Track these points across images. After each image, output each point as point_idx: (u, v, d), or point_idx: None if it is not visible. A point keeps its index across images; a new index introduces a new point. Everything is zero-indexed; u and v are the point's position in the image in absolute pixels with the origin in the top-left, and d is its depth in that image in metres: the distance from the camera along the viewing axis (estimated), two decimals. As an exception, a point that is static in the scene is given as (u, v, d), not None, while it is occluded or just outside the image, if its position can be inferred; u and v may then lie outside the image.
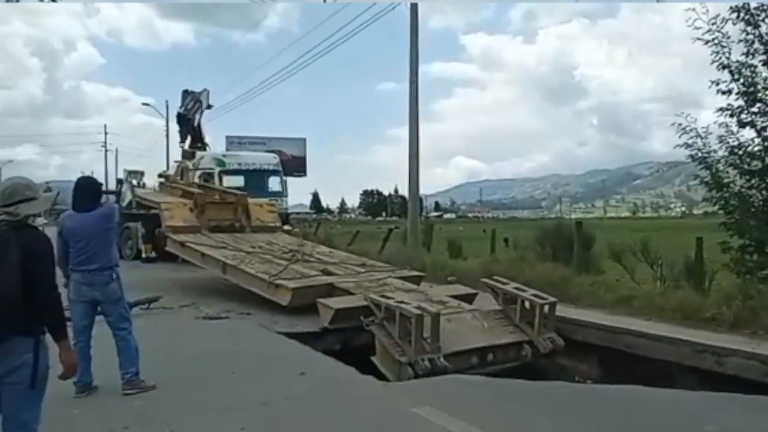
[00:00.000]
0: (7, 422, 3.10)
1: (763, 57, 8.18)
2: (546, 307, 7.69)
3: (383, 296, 7.76)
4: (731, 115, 8.29)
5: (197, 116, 22.50)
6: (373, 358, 7.14)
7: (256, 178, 20.53)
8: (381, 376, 6.49)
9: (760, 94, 8.16)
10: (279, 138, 47.59)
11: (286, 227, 17.66)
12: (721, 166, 8.59)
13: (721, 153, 8.55)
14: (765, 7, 8.06)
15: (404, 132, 17.53)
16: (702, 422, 4.93)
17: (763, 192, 8.31)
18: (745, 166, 8.34)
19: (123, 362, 5.61)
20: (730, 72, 8.24)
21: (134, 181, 21.89)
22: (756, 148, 8.30)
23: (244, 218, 14.06)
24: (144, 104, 79.40)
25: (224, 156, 21.50)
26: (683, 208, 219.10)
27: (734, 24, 8.24)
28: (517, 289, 8.16)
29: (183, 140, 22.67)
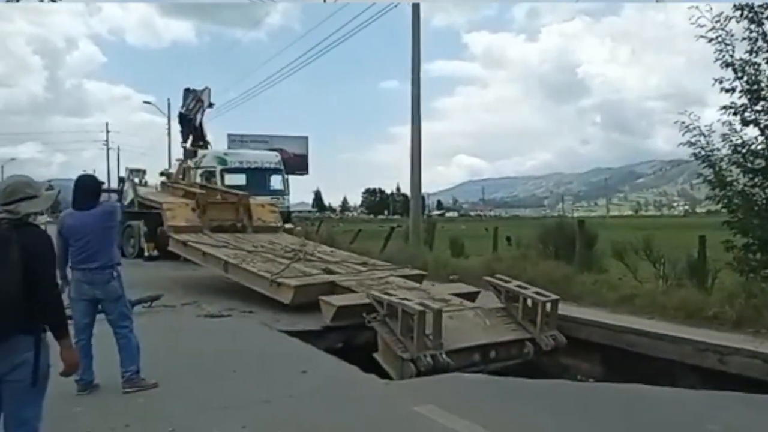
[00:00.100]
0: (8, 420, 3.10)
1: (767, 55, 8.15)
2: (548, 305, 7.67)
3: (385, 293, 7.77)
4: (735, 113, 8.25)
5: (199, 115, 22.51)
6: (375, 355, 7.14)
7: (257, 177, 20.55)
8: (383, 375, 6.48)
9: (763, 92, 8.12)
10: (281, 136, 47.61)
11: (287, 225, 17.70)
12: (724, 165, 8.56)
13: (724, 151, 8.52)
14: (769, 5, 8.03)
15: (406, 130, 17.52)
16: (704, 421, 4.92)
17: (767, 190, 8.28)
18: (749, 165, 8.30)
19: (124, 361, 5.61)
20: (734, 70, 8.20)
21: (136, 180, 21.98)
22: (759, 147, 8.26)
23: (245, 218, 14.14)
24: (145, 102, 79.53)
25: (226, 154, 21.52)
26: (686, 207, 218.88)
27: (738, 22, 8.21)
28: (519, 287, 8.14)
29: (185, 140, 22.69)
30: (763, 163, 8.25)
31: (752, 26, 8.14)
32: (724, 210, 8.62)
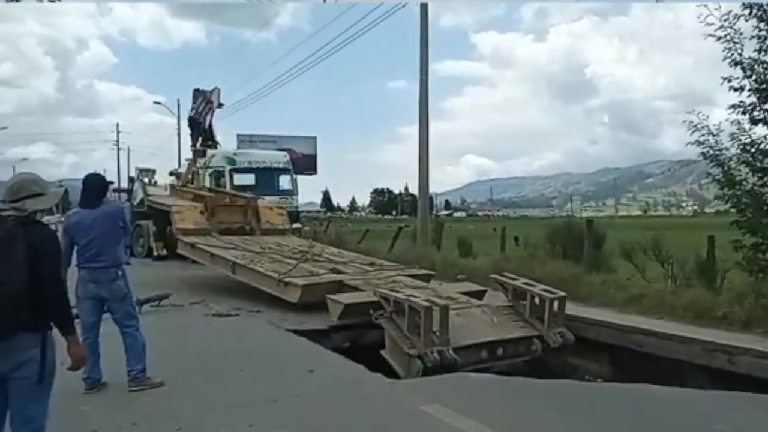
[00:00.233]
0: (14, 418, 3.11)
1: (776, 53, 8.10)
2: (556, 302, 7.65)
3: (392, 290, 7.77)
4: (743, 113, 8.20)
5: (208, 117, 22.57)
6: (382, 352, 7.15)
7: (266, 176, 20.60)
8: (390, 374, 6.47)
9: (773, 91, 8.07)
10: (290, 136, 47.65)
11: (296, 225, 17.73)
12: (733, 164, 8.50)
13: (733, 150, 8.47)
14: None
15: (415, 130, 17.51)
16: (713, 421, 4.89)
17: (776, 190, 8.22)
18: (758, 164, 8.24)
19: (130, 360, 5.63)
20: (743, 68, 8.15)
21: (146, 179, 22.05)
22: (769, 146, 8.21)
23: (254, 221, 14.20)
24: (156, 103, 79.67)
25: (235, 154, 21.57)
26: (695, 207, 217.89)
27: (746, 20, 8.15)
28: (526, 284, 8.14)
29: (194, 143, 22.74)
30: (773, 162, 8.20)
31: (761, 24, 8.08)
32: (733, 210, 8.57)
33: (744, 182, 8.39)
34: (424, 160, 17.27)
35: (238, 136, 43.64)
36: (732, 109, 8.25)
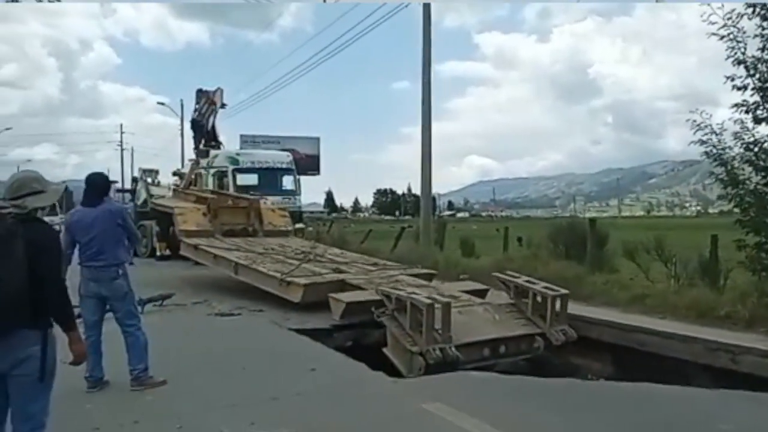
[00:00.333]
0: (15, 415, 3.12)
1: (780, 52, 8.07)
2: (558, 300, 7.65)
3: (394, 288, 7.77)
4: (747, 111, 8.17)
5: (211, 119, 22.62)
6: (384, 350, 7.16)
7: (269, 177, 20.62)
8: (392, 373, 6.47)
9: (776, 90, 8.04)
10: (293, 137, 47.80)
11: (299, 225, 17.75)
12: (736, 163, 8.48)
13: (736, 150, 8.44)
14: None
15: (418, 131, 17.46)
16: (715, 420, 4.88)
17: (779, 189, 8.20)
18: (761, 163, 8.21)
19: (131, 359, 5.64)
20: (746, 67, 8.12)
21: (149, 180, 22.10)
22: (772, 145, 8.18)
23: (256, 223, 14.26)
24: (159, 103, 79.54)
25: (238, 154, 21.60)
26: (698, 207, 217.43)
27: (750, 19, 8.12)
28: (528, 281, 8.13)
29: (197, 146, 22.77)
30: (776, 162, 8.17)
31: (764, 23, 8.05)
32: (736, 209, 8.54)
33: (747, 181, 8.36)
34: (427, 160, 17.25)
35: (242, 136, 43.76)
36: (735, 108, 8.23)
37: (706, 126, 8.46)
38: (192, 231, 13.00)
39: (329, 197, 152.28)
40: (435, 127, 17.60)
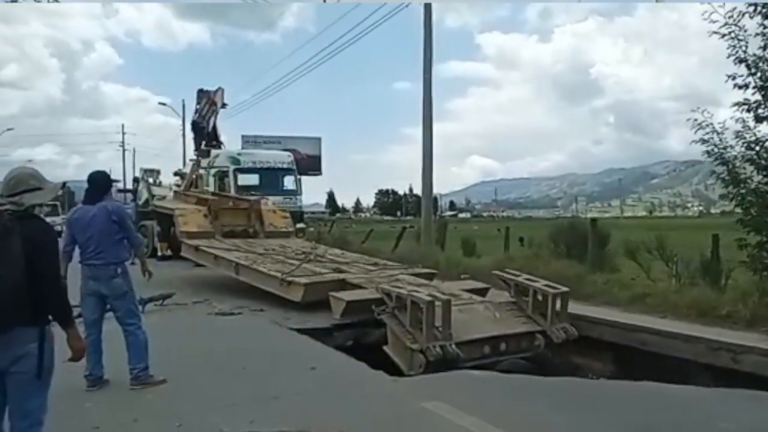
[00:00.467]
0: (13, 412, 3.12)
1: (781, 51, 8.06)
2: (558, 298, 7.63)
3: (395, 286, 7.77)
4: (748, 110, 8.16)
5: (212, 120, 22.61)
6: (385, 348, 7.16)
7: (270, 177, 20.61)
8: (392, 372, 6.46)
9: (778, 89, 8.03)
10: (294, 137, 47.69)
11: (300, 225, 17.75)
12: (737, 162, 8.46)
13: (737, 149, 8.42)
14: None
15: (419, 131, 17.48)
16: (716, 419, 4.87)
17: (781, 188, 8.18)
18: (763, 162, 8.19)
19: (131, 358, 5.63)
20: (747, 66, 8.11)
21: (150, 180, 22.09)
22: (774, 144, 8.16)
23: (257, 224, 14.28)
24: (161, 104, 79.68)
25: (239, 154, 21.58)
26: (701, 208, 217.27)
27: (751, 17, 8.11)
28: (528, 279, 8.12)
29: (197, 148, 22.75)
30: (778, 161, 8.15)
31: (766, 22, 8.04)
32: (738, 209, 8.53)
33: (749, 180, 8.34)
34: (428, 160, 17.25)
35: (243, 137, 43.69)
36: (736, 107, 8.22)
37: (707, 125, 8.45)
38: (193, 232, 13.03)
39: (331, 197, 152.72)
40: (436, 127, 17.65)
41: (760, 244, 8.09)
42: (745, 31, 8.17)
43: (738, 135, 8.31)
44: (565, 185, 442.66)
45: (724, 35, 8.17)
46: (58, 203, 36.75)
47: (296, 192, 21.15)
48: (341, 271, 10.24)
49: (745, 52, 8.15)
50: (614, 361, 7.93)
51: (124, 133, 73.67)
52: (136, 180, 24.80)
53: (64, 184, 3.63)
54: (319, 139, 49.75)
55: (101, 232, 5.58)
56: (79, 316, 5.72)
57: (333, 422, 4.74)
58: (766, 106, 8.06)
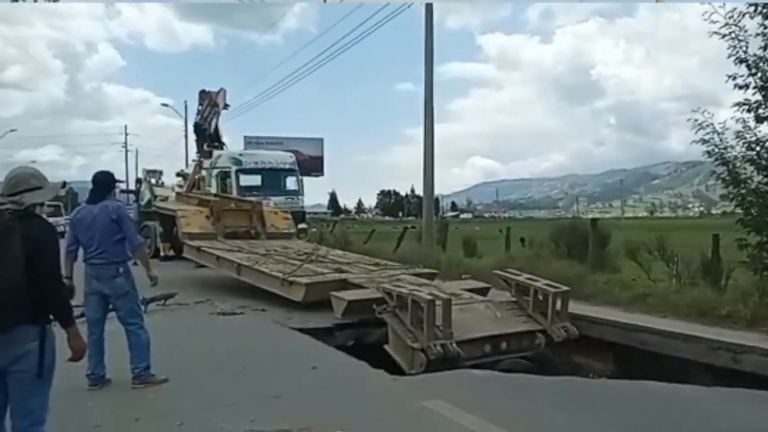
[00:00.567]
0: (14, 411, 3.13)
1: (781, 51, 8.07)
2: (559, 297, 7.65)
3: (396, 285, 7.79)
4: (749, 110, 8.18)
5: (214, 122, 22.67)
6: (386, 347, 7.18)
7: (272, 177, 20.63)
8: (393, 371, 6.48)
9: (778, 89, 8.04)
10: (296, 138, 47.68)
11: (301, 225, 17.78)
12: (738, 162, 8.47)
13: (738, 149, 8.44)
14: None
15: (421, 132, 17.47)
16: (715, 418, 4.88)
17: (782, 188, 8.19)
18: (763, 162, 8.21)
19: (133, 357, 5.65)
20: (748, 66, 8.13)
21: (153, 180, 22.13)
22: (774, 144, 8.17)
23: (259, 225, 14.33)
24: (163, 105, 79.78)
25: (241, 155, 21.59)
26: (702, 208, 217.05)
27: (752, 18, 8.13)
28: (529, 279, 8.14)
29: (199, 150, 22.81)
30: (778, 161, 8.16)
31: (766, 22, 8.06)
32: (738, 210, 8.54)
33: (749, 180, 8.36)
34: (429, 160, 17.25)
35: (245, 137, 43.64)
36: (737, 107, 8.23)
37: (707, 125, 8.46)
38: (195, 233, 13.09)
39: (333, 198, 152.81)
40: (438, 128, 17.63)
41: (760, 244, 8.11)
42: (746, 31, 8.20)
43: (738, 135, 8.33)
44: (566, 186, 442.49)
45: (724, 35, 8.20)
46: (60, 204, 36.74)
47: (298, 193, 21.17)
48: (342, 271, 10.27)
49: (745, 52, 8.17)
50: (615, 360, 7.94)
51: (126, 134, 73.64)
52: (138, 181, 24.85)
53: (64, 183, 3.63)
54: (321, 140, 49.73)
55: (102, 232, 5.61)
56: (82, 315, 5.77)
57: (334, 421, 4.75)
58: (766, 107, 8.08)
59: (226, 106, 23.17)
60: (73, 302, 3.50)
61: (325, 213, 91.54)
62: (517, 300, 8.07)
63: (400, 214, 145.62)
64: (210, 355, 6.82)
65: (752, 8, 8.12)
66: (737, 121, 8.29)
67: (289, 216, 15.43)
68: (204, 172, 20.64)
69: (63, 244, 3.95)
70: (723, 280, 9.14)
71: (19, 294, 2.95)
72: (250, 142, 42.68)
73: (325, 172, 48.24)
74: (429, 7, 17.14)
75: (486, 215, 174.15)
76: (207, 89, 23.34)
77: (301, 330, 7.96)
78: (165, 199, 19.47)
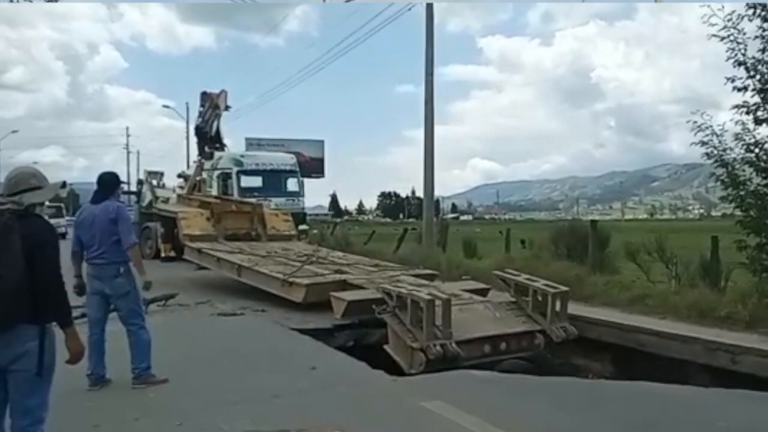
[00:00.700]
0: (14, 409, 3.14)
1: (780, 54, 8.09)
2: (558, 297, 7.66)
3: (395, 286, 7.80)
4: (747, 113, 8.19)
5: (215, 124, 22.71)
6: (386, 347, 7.20)
7: (273, 179, 20.68)
8: (393, 371, 6.49)
9: (776, 91, 8.05)
10: (297, 140, 47.77)
11: (302, 227, 17.80)
12: (737, 164, 8.49)
13: (737, 151, 8.45)
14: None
15: (422, 134, 17.51)
16: (713, 418, 4.90)
17: (780, 190, 8.20)
18: (762, 164, 8.23)
19: (134, 357, 5.66)
20: (746, 68, 8.14)
21: (154, 182, 22.14)
22: (773, 146, 8.19)
23: (259, 227, 14.42)
24: (164, 106, 79.82)
25: (242, 156, 21.63)
26: (701, 210, 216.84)
27: (750, 20, 8.15)
28: (528, 279, 8.16)
29: (200, 152, 22.85)
30: (777, 162, 8.18)
31: (765, 25, 8.07)
32: (737, 211, 8.55)
33: (748, 182, 8.37)
34: (430, 161, 17.28)
35: (247, 139, 43.71)
36: (736, 109, 8.25)
37: (707, 127, 8.48)
38: (196, 235, 13.14)
39: (334, 200, 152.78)
40: (439, 130, 17.68)
41: (759, 246, 8.13)
42: (744, 33, 8.22)
43: (737, 137, 8.34)
44: (566, 188, 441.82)
45: (723, 38, 8.21)
46: (62, 205, 36.76)
47: (299, 194, 21.22)
48: (342, 272, 10.28)
49: (744, 54, 8.19)
50: (613, 361, 7.96)
51: (128, 136, 73.75)
52: (140, 182, 24.88)
53: (64, 183, 3.65)
54: (322, 142, 49.82)
55: (103, 232, 5.62)
56: (83, 315, 5.79)
57: (333, 422, 4.78)
58: (765, 109, 8.10)
59: (227, 108, 23.21)
60: (77, 302, 3.51)
61: (326, 214, 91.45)
62: (517, 300, 8.08)
63: (401, 215, 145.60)
64: (210, 355, 6.83)
65: (751, 11, 8.14)
66: (736, 123, 8.31)
67: (290, 218, 15.48)
68: (205, 174, 20.65)
69: (66, 245, 3.98)
70: (722, 282, 9.13)
71: (19, 293, 2.96)
72: (252, 143, 42.75)
73: (326, 173, 48.35)
74: (430, 9, 17.17)
75: (486, 217, 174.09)
76: (208, 91, 23.38)
77: (300, 331, 7.97)
78: (166, 200, 19.50)
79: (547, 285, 7.88)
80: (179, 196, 18.95)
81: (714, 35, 8.23)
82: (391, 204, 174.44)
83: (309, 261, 11.08)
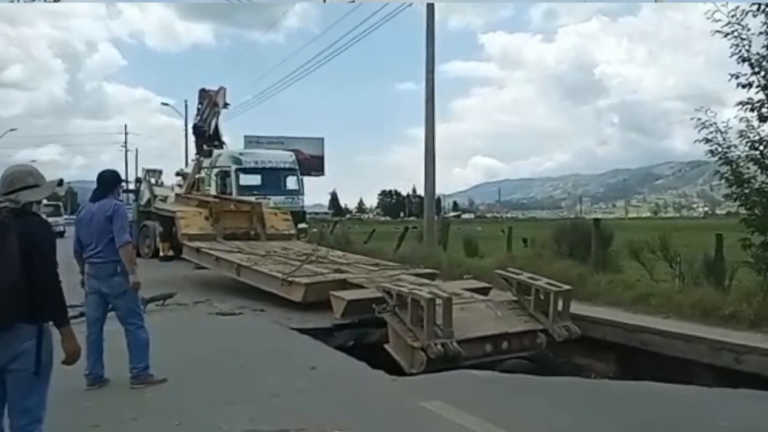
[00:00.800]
0: (12, 409, 3.11)
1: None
2: (560, 296, 7.60)
3: (395, 284, 7.74)
4: (752, 110, 8.13)
5: (213, 122, 22.67)
6: (386, 346, 7.14)
7: (272, 177, 20.60)
8: (393, 372, 6.43)
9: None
10: (297, 138, 47.69)
11: (302, 225, 17.75)
12: (741, 162, 8.42)
13: (741, 148, 8.38)
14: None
15: (423, 132, 17.44)
16: (716, 418, 4.85)
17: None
18: (766, 161, 8.17)
19: (132, 357, 5.62)
20: (750, 65, 8.08)
21: (153, 180, 22.12)
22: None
23: (258, 226, 14.37)
24: (163, 104, 79.63)
25: (241, 154, 21.56)
26: (706, 208, 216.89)
27: (755, 16, 8.09)
28: (530, 278, 8.09)
29: (199, 151, 22.81)
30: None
31: (769, 21, 8.01)
32: (742, 209, 8.49)
33: (753, 180, 8.31)
34: (430, 159, 17.20)
35: (246, 137, 43.61)
36: (740, 106, 8.18)
37: (711, 124, 8.42)
38: (194, 235, 13.11)
39: (334, 198, 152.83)
40: (440, 127, 17.59)
41: (764, 244, 8.07)
42: (749, 30, 8.15)
43: (742, 134, 8.28)
44: (569, 186, 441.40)
45: (727, 34, 8.15)
46: (60, 204, 36.75)
47: (298, 192, 21.14)
48: (342, 272, 10.23)
49: (748, 51, 8.12)
50: (616, 361, 7.90)
51: (127, 134, 73.73)
52: (138, 180, 24.86)
53: (61, 181, 3.61)
54: (322, 140, 49.72)
55: (100, 231, 5.56)
56: (82, 315, 5.74)
57: (332, 421, 4.73)
58: (769, 106, 8.02)
59: (225, 105, 23.16)
60: (76, 301, 3.47)
61: (325, 213, 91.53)
62: (519, 299, 8.02)
63: (402, 214, 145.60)
64: (208, 355, 6.78)
65: (755, 7, 8.07)
66: (741, 120, 8.26)
67: (289, 217, 15.44)
68: (203, 172, 20.61)
69: (63, 243, 3.92)
70: (726, 281, 9.07)
71: (16, 292, 2.93)
72: (251, 141, 42.66)
73: (326, 171, 48.25)
74: (430, 6, 17.09)
75: (488, 215, 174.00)
76: (207, 88, 23.33)
77: (300, 330, 7.92)
78: (165, 198, 19.49)
79: (549, 284, 7.82)
80: (178, 195, 18.92)
81: (718, 31, 8.18)
82: (392, 202, 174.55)
83: (308, 260, 11.03)
